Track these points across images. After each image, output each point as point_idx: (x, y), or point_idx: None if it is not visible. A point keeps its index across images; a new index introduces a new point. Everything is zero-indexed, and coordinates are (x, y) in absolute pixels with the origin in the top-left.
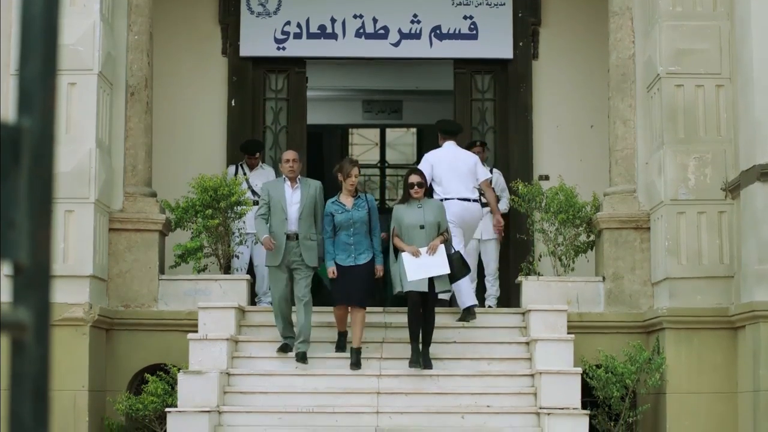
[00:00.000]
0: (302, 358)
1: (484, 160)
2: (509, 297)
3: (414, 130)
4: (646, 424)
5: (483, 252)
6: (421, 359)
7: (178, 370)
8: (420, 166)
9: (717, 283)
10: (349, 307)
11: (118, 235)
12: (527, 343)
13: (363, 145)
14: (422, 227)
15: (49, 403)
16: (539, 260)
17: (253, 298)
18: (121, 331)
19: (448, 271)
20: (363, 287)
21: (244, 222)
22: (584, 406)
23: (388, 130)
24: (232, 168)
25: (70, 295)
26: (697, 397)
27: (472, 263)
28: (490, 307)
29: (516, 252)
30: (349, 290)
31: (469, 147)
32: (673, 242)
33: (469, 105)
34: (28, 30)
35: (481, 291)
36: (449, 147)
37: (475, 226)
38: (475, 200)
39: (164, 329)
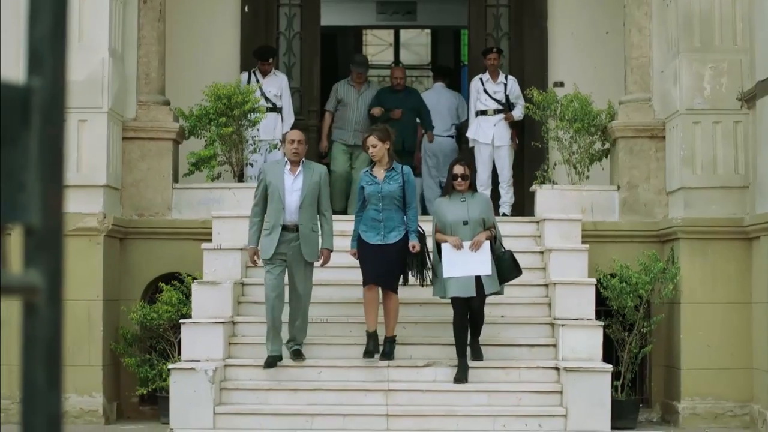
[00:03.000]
0: (298, 354)
1: (499, 67)
2: (523, 205)
3: (428, 31)
4: (660, 334)
5: (497, 158)
6: (467, 373)
7: (193, 279)
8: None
9: (732, 194)
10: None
11: (131, 143)
12: (541, 253)
13: (377, 46)
14: (466, 223)
15: (61, 366)
16: (554, 168)
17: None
18: (135, 240)
19: (489, 272)
20: (393, 269)
21: (257, 130)
22: (598, 316)
23: (402, 31)
24: (245, 75)
25: (84, 205)
26: (711, 307)
27: (487, 170)
28: (504, 214)
29: (530, 160)
30: (377, 270)
31: (484, 54)
32: (688, 152)
33: (484, 10)
34: None
35: (495, 198)
36: (436, 88)
37: (448, 159)
38: (449, 136)
39: (178, 238)
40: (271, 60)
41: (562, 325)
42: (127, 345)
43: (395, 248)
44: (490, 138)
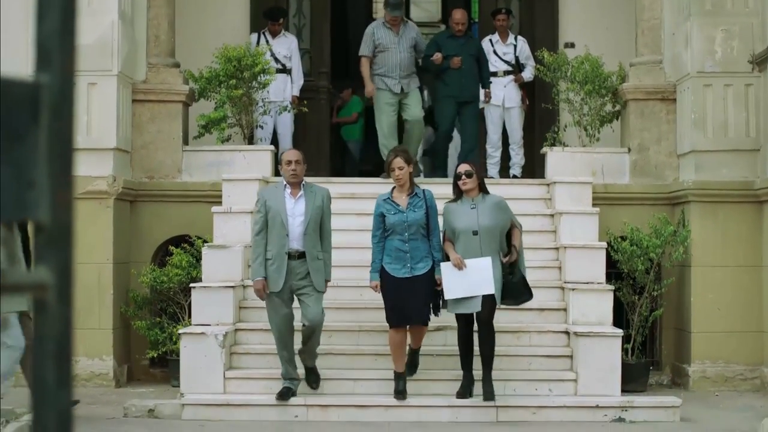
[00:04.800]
0: (311, 373)
1: (509, 28)
2: (534, 167)
3: None
4: (670, 297)
5: (507, 119)
6: (471, 387)
7: (203, 242)
8: None
9: (743, 157)
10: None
11: (141, 106)
12: (551, 216)
13: None
14: (476, 233)
15: (71, 364)
16: (564, 130)
17: (276, 167)
18: (145, 203)
19: (492, 291)
20: (423, 303)
21: (267, 92)
22: (608, 279)
23: None
24: (254, 36)
25: (94, 168)
26: (721, 270)
27: (497, 131)
28: (514, 176)
29: (541, 122)
30: (407, 308)
31: (493, 15)
32: (699, 115)
33: None
34: None
35: (505, 159)
36: None
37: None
38: None
39: (188, 200)
40: (281, 21)
41: (573, 289)
42: (137, 308)
43: (425, 280)
44: (501, 99)
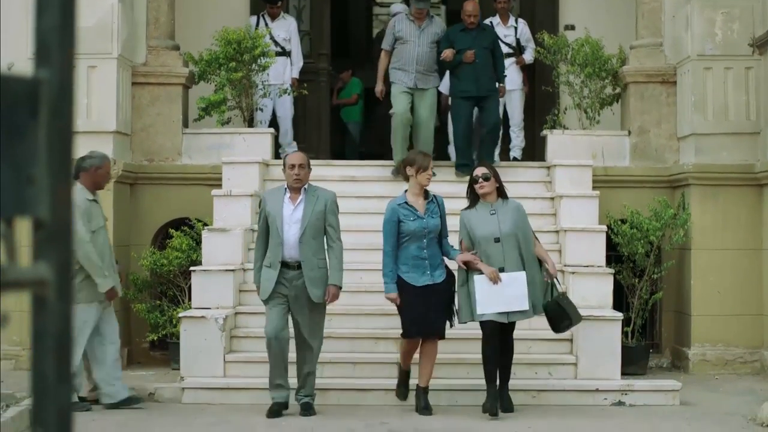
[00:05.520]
0: (308, 408)
1: (509, 10)
2: (534, 149)
3: None
4: (670, 280)
5: (507, 102)
6: (498, 402)
7: (203, 225)
8: None
9: (743, 140)
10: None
11: (141, 89)
12: (552, 199)
13: None
14: (497, 240)
15: (71, 359)
16: (564, 113)
17: (277, 150)
18: (145, 186)
19: (527, 307)
20: (443, 313)
21: (267, 74)
22: (608, 262)
23: None
24: (254, 18)
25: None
26: (721, 253)
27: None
28: (515, 159)
29: (541, 104)
30: (426, 318)
31: None
32: (699, 98)
33: None
34: None
35: (506, 142)
36: None
37: None
38: None
39: (188, 183)
40: (280, 3)
41: (573, 273)
42: (137, 291)
43: (445, 288)
44: None
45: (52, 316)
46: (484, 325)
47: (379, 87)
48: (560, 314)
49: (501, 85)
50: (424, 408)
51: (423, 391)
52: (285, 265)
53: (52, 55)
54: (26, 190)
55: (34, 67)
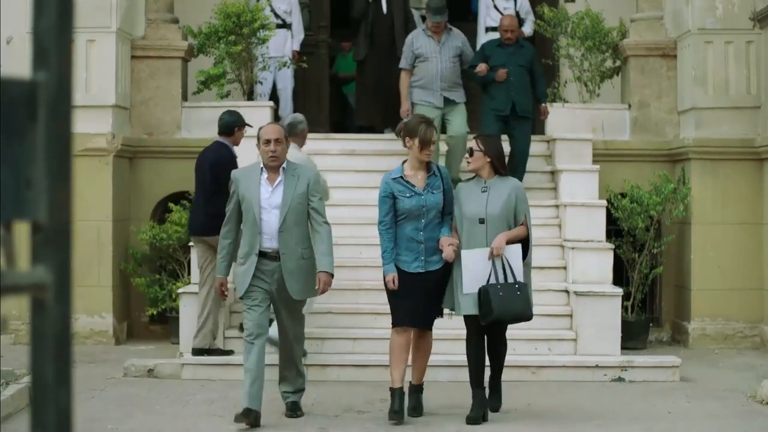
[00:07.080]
0: (295, 408)
1: None
2: (534, 123)
3: None
4: (670, 254)
5: None
6: (486, 410)
7: None
8: None
9: (743, 114)
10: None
11: (140, 62)
12: (552, 173)
13: None
14: (482, 222)
15: (71, 362)
16: (564, 86)
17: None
18: (144, 160)
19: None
20: (435, 303)
21: (267, 47)
22: (608, 236)
23: None
24: None
25: (93, 125)
26: (722, 228)
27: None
28: None
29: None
30: (415, 308)
31: None
32: (699, 72)
33: None
34: None
35: None
36: None
37: None
38: None
39: (188, 157)
40: None
41: (573, 248)
42: (136, 265)
43: (439, 277)
44: None
45: (51, 319)
46: (468, 322)
47: (404, 107)
48: (486, 304)
49: (543, 105)
50: (412, 408)
51: (414, 390)
52: (262, 255)
53: (50, 57)
54: (25, 193)
55: (32, 70)
